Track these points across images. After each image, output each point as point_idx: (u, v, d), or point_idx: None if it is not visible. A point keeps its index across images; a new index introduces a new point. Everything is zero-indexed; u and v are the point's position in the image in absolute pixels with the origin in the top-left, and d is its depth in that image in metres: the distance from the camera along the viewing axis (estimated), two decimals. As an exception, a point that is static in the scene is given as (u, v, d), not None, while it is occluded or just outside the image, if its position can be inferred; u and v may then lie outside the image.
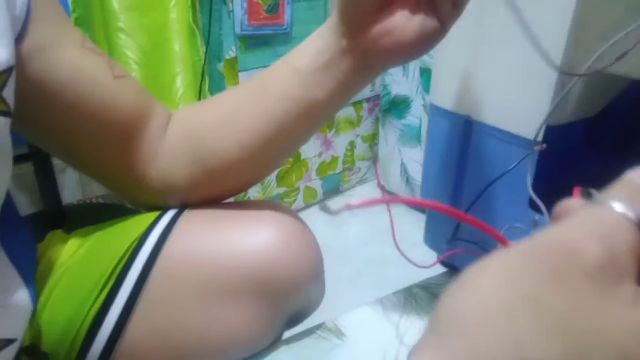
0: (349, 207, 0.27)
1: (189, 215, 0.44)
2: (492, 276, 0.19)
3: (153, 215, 0.44)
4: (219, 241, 0.42)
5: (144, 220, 0.44)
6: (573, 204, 0.22)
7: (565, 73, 0.47)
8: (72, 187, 1.21)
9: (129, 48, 0.96)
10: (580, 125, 0.54)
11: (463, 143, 0.59)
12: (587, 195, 0.21)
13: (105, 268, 0.40)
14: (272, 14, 1.10)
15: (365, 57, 0.38)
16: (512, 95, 0.53)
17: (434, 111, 0.64)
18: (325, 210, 0.29)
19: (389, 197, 0.31)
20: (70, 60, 0.38)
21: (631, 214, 0.19)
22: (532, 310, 0.17)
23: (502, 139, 0.54)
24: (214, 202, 0.46)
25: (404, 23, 0.36)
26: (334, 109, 0.42)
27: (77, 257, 0.43)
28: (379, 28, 0.37)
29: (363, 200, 0.27)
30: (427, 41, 0.37)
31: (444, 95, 0.62)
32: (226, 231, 0.42)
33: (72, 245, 0.44)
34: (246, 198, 1.22)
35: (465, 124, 0.58)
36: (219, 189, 0.45)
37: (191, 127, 0.44)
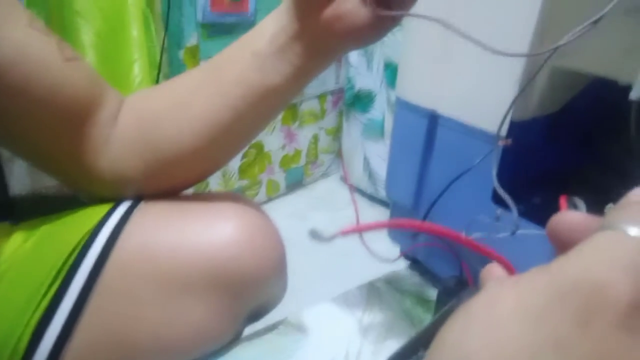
0: (344, 233, 0.26)
1: (144, 207, 0.42)
2: (509, 313, 0.17)
3: (106, 207, 0.41)
4: (178, 234, 0.40)
5: (96, 212, 0.41)
6: (572, 218, 0.21)
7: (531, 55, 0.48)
8: (21, 176, 1.15)
9: (85, 32, 0.91)
10: (543, 121, 0.55)
11: (428, 137, 0.59)
12: (574, 206, 0.21)
13: (53, 263, 0.38)
14: (235, 1, 1.07)
15: (318, 40, 0.38)
16: (477, 90, 0.53)
17: (400, 104, 0.63)
18: (317, 237, 0.27)
19: (376, 223, 0.30)
20: (16, 39, 0.35)
21: None
22: (558, 356, 0.16)
23: (466, 133, 0.54)
24: (171, 193, 0.44)
25: (355, 8, 0.36)
26: (290, 94, 0.41)
27: (22, 251, 0.40)
28: (331, 12, 0.36)
29: (356, 226, 0.26)
30: (378, 27, 0.37)
31: (410, 89, 0.61)
32: (185, 224, 0.41)
33: (16, 238, 0.41)
34: (207, 190, 1.19)
35: (431, 117, 0.58)
36: (175, 178, 0.43)
37: (143, 113, 0.42)
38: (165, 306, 0.39)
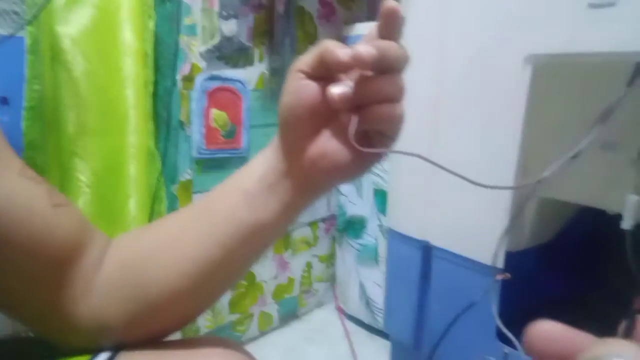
0: None
1: (125, 355, 0.38)
2: None
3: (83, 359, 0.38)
4: None
5: (72, 366, 0.38)
6: (550, 329, 0.21)
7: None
8: (1, 317, 1.09)
9: (82, 171, 0.93)
10: (538, 250, 0.54)
11: (424, 268, 0.58)
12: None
13: None
14: (229, 138, 1.12)
15: (306, 178, 0.39)
16: (468, 221, 0.53)
17: (392, 235, 0.63)
18: None
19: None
20: (5, 187, 0.35)
21: None
22: None
23: (462, 264, 0.53)
24: (154, 339, 0.41)
25: (338, 146, 0.38)
26: (280, 229, 0.41)
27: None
28: (315, 151, 0.38)
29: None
30: (362, 164, 0.38)
31: (401, 220, 0.62)
32: None
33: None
34: (194, 328, 1.13)
35: (425, 249, 0.57)
36: (160, 324, 0.41)
37: (129, 255, 0.41)
38: None
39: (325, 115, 0.37)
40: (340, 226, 1.48)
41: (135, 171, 0.99)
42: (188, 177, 1.09)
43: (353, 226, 1.44)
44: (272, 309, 1.40)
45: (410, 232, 0.60)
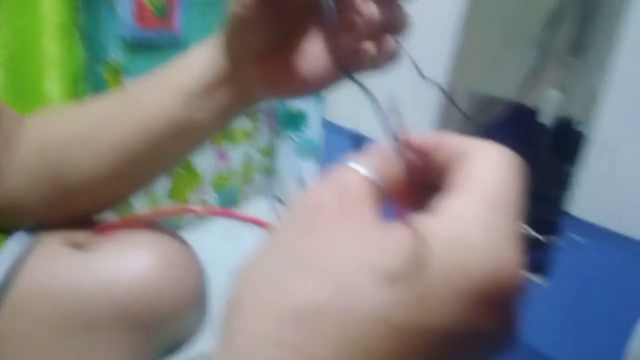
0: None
1: (44, 240, 0.38)
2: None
3: None
4: (82, 269, 0.37)
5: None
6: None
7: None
8: None
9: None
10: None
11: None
12: None
13: None
14: (162, 17, 1.04)
15: (250, 87, 0.36)
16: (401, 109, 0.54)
17: (328, 127, 0.64)
18: None
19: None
20: None
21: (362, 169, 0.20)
22: (289, 260, 0.18)
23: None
24: (76, 220, 0.40)
25: (299, 63, 0.34)
26: (213, 130, 0.40)
27: None
28: (269, 66, 0.34)
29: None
30: (320, 86, 0.35)
31: (337, 112, 0.62)
32: (90, 257, 0.37)
33: None
34: (130, 210, 1.13)
35: (356, 139, 0.58)
36: (78, 208, 0.40)
37: (48, 137, 0.39)
38: (69, 349, 0.35)
39: (286, 23, 0.33)
40: (281, 119, 1.47)
41: (53, 48, 0.91)
42: (117, 58, 1.01)
43: (293, 119, 1.43)
44: (211, 197, 1.41)
45: (344, 123, 0.61)
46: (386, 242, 0.17)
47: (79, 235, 0.39)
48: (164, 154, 0.39)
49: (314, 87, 0.35)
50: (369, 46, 0.33)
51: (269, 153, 1.58)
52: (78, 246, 0.38)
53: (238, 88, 0.36)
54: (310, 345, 0.16)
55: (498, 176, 0.19)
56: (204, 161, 1.35)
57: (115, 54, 1.01)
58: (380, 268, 0.17)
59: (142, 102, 0.38)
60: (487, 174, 0.19)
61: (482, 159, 0.19)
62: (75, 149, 0.38)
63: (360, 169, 0.20)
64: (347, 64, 0.33)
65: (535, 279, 0.62)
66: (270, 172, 1.60)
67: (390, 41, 0.33)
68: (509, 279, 0.16)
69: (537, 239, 0.61)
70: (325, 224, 0.18)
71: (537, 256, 0.62)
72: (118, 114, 0.38)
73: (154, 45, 1.06)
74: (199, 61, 0.37)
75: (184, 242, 0.42)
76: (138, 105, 0.38)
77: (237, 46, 0.35)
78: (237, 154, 1.45)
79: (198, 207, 0.40)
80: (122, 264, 0.37)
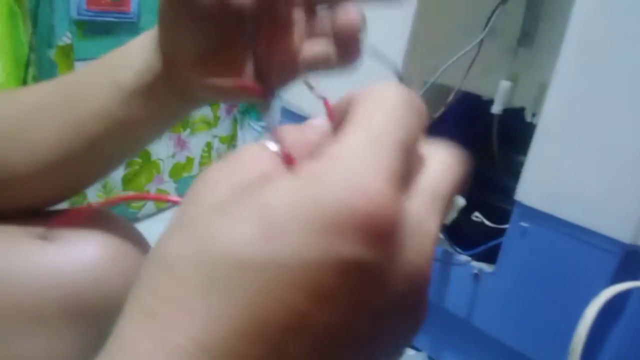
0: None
1: None
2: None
3: None
4: (24, 259, 0.35)
5: None
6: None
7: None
8: None
9: None
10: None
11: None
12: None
13: None
14: (115, 0, 1.00)
15: (187, 88, 0.34)
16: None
17: (287, 115, 0.63)
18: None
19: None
20: None
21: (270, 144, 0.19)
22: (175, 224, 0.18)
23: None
24: (20, 212, 0.38)
25: (233, 69, 0.32)
26: (155, 132, 0.38)
27: None
28: (201, 67, 0.32)
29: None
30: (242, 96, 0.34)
31: (296, 101, 0.62)
32: (35, 246, 0.36)
33: None
34: (85, 203, 1.09)
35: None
36: (17, 202, 0.38)
37: None
38: (9, 342, 0.34)
39: (225, 24, 0.31)
40: (242, 107, 1.45)
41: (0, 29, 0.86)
42: (68, 41, 0.97)
43: (255, 108, 1.41)
44: (170, 187, 1.38)
45: (303, 111, 0.60)
46: (232, 181, 0.17)
47: (19, 226, 0.37)
48: (101, 152, 0.37)
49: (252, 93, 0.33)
50: (321, 49, 0.31)
51: (230, 141, 1.56)
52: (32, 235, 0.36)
53: (177, 88, 0.34)
54: (169, 289, 0.16)
55: (378, 113, 0.17)
56: (162, 150, 1.32)
57: (66, 37, 0.97)
58: (215, 202, 0.17)
59: (78, 96, 0.36)
60: (369, 113, 0.17)
61: (368, 101, 0.18)
62: (5, 143, 0.36)
63: (264, 143, 0.19)
64: (268, 77, 0.31)
65: (488, 267, 0.64)
66: (231, 161, 1.58)
67: (351, 42, 0.31)
68: (367, 204, 0.15)
69: (492, 228, 0.62)
70: (207, 186, 0.18)
71: (491, 245, 0.63)
72: (54, 105, 0.36)
73: (107, 27, 1.02)
74: (137, 55, 0.35)
75: (136, 233, 0.41)
76: (75, 99, 0.36)
77: (170, 45, 0.33)
78: (197, 143, 1.43)
79: (151, 195, 0.38)
80: (68, 254, 0.36)
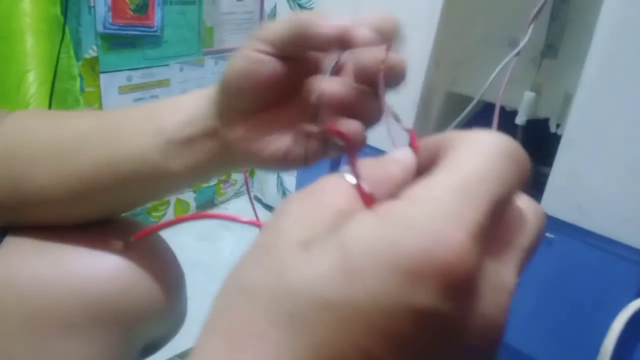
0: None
1: (10, 238, 0.37)
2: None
3: None
4: (53, 266, 0.36)
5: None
6: None
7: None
8: None
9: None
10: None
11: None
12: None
13: None
14: (140, 14, 1.03)
15: (230, 148, 0.33)
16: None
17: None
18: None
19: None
20: None
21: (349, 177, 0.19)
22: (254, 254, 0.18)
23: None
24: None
25: (282, 141, 0.32)
26: (183, 184, 0.38)
27: None
28: (252, 134, 0.32)
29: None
30: (285, 165, 0.33)
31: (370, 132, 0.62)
32: (63, 254, 0.37)
33: None
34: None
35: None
36: (38, 219, 0.38)
37: (15, 146, 0.37)
38: (38, 347, 0.34)
39: (275, 99, 0.31)
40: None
41: (35, 42, 0.88)
42: (93, 54, 1.00)
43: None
44: (189, 196, 1.40)
45: (375, 142, 0.61)
46: (313, 217, 0.18)
47: (50, 234, 0.38)
48: (130, 192, 0.37)
49: (282, 164, 0.33)
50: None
51: (249, 152, 1.57)
52: (50, 244, 0.37)
53: (218, 146, 0.34)
54: (247, 315, 0.16)
55: (475, 162, 0.17)
56: (183, 160, 1.34)
57: (92, 50, 0.99)
58: (297, 238, 0.17)
59: (121, 134, 0.36)
60: (465, 159, 0.17)
61: (465, 146, 0.18)
62: (40, 165, 0.36)
63: (344, 175, 0.19)
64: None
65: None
66: (249, 172, 1.59)
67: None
68: (447, 256, 0.15)
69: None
70: (285, 217, 0.18)
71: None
72: (95, 139, 0.36)
73: (130, 40, 1.04)
74: (187, 106, 0.34)
75: (162, 241, 0.42)
76: (116, 137, 0.36)
77: (230, 104, 0.32)
78: (216, 153, 1.44)
79: (225, 214, 0.39)
80: (94, 262, 0.36)
